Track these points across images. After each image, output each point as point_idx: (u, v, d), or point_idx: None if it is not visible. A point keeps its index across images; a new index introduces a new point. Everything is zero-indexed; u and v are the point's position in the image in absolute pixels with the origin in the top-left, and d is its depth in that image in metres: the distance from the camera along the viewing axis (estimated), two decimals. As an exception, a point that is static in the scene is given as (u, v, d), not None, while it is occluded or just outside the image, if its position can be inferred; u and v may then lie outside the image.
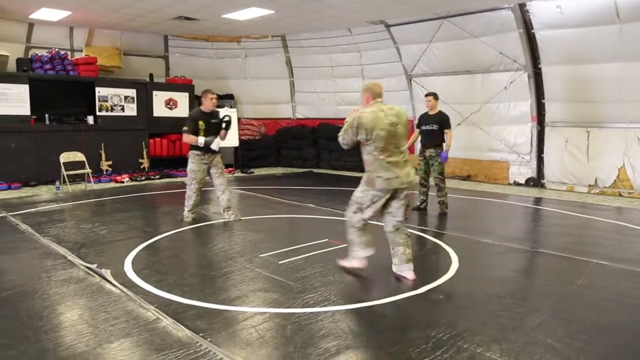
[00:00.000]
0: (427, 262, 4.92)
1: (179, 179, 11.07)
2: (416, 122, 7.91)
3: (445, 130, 7.23)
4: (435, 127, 7.26)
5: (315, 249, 5.09)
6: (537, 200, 8.95)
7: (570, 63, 9.61)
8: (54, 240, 5.38)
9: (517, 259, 5.11)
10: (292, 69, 13.91)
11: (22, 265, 4.56)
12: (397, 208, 4.18)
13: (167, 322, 3.23)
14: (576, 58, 9.48)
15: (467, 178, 11.47)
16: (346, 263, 4.39)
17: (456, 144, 10.90)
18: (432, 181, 7.38)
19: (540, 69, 10.11)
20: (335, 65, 13.17)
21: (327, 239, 5.47)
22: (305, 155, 13.83)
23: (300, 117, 14.35)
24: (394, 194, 4.12)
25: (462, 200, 8.46)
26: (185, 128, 6.36)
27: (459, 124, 11.20)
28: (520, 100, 10.53)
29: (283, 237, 5.93)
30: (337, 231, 5.99)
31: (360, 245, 4.24)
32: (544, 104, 10.33)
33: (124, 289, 3.81)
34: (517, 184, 10.85)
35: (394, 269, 4.28)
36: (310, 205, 7.83)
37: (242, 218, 6.64)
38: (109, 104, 11.14)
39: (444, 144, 7.26)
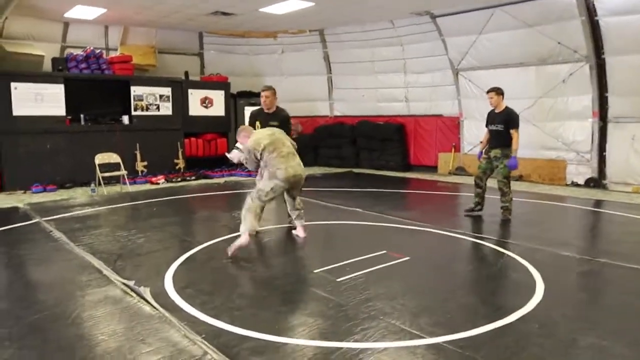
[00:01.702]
0: (507, 281, 4.28)
1: (216, 181, 10.69)
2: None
3: (511, 131, 6.46)
4: (500, 127, 6.53)
5: (374, 263, 4.51)
6: (606, 204, 8.12)
7: (639, 53, 8.73)
8: (89, 250, 4.97)
9: (614, 277, 4.37)
10: (330, 65, 13.35)
11: (55, 279, 4.17)
12: (294, 193, 5.44)
13: (218, 358, 2.73)
14: (646, 47, 8.61)
15: (520, 178, 10.67)
16: (235, 245, 4.86)
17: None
18: (496, 184, 6.70)
19: (603, 59, 9.25)
20: (376, 60, 12.52)
21: (384, 251, 4.89)
22: (344, 155, 13.26)
23: (339, 114, 13.80)
24: (292, 185, 5.13)
25: (523, 204, 7.73)
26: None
27: (510, 121, 10.43)
28: (580, 94, 9.68)
29: (335, 249, 5.36)
30: (393, 241, 5.46)
31: (251, 226, 4.90)
32: (606, 97, 9.45)
33: (166, 314, 3.33)
34: (575, 184, 10.01)
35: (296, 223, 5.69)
36: (357, 209, 7.27)
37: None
38: (144, 103, 10.84)
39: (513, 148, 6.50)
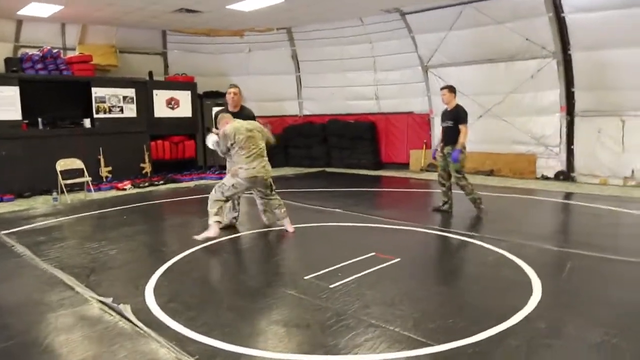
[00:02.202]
0: (501, 279, 4.18)
1: (185, 185, 10.31)
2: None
3: (460, 126, 6.51)
4: (450, 123, 6.60)
5: (365, 266, 4.35)
6: (577, 196, 8.25)
7: (604, 48, 8.94)
8: (57, 265, 4.60)
9: (603, 270, 4.35)
10: (298, 63, 13.13)
11: (22, 300, 3.79)
12: (261, 191, 5.70)
13: (216, 382, 2.50)
14: (610, 43, 8.80)
15: (491, 173, 10.78)
16: (204, 235, 5.27)
17: (478, 137, 10.27)
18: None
19: (569, 55, 9.43)
20: (345, 58, 12.38)
21: (373, 253, 4.74)
22: (315, 154, 13.07)
23: (308, 113, 13.59)
24: (253, 184, 5.46)
25: (498, 199, 7.76)
26: None
27: (480, 116, 10.53)
28: (547, 89, 9.86)
29: (322, 252, 5.12)
30: (379, 242, 5.33)
31: (216, 215, 5.31)
32: (573, 92, 9.65)
33: (152, 333, 3.06)
34: (545, 177, 10.18)
35: (270, 221, 5.99)
36: (337, 210, 7.10)
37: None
38: (106, 105, 10.33)
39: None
